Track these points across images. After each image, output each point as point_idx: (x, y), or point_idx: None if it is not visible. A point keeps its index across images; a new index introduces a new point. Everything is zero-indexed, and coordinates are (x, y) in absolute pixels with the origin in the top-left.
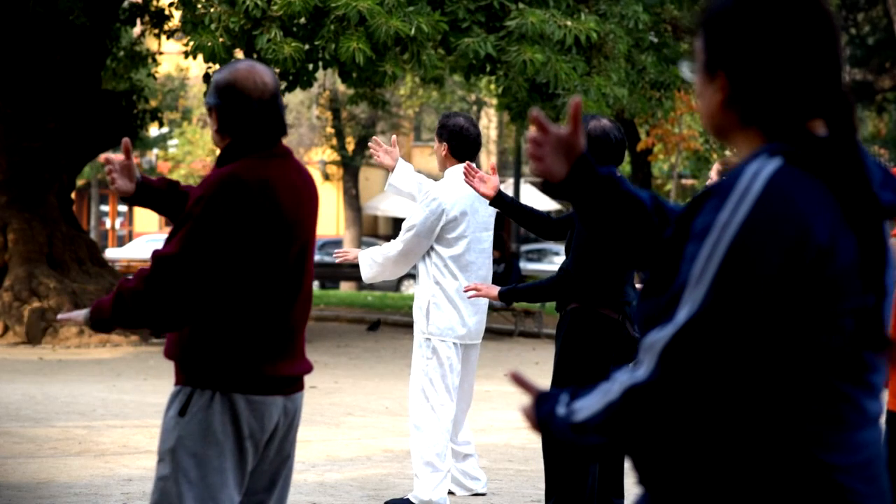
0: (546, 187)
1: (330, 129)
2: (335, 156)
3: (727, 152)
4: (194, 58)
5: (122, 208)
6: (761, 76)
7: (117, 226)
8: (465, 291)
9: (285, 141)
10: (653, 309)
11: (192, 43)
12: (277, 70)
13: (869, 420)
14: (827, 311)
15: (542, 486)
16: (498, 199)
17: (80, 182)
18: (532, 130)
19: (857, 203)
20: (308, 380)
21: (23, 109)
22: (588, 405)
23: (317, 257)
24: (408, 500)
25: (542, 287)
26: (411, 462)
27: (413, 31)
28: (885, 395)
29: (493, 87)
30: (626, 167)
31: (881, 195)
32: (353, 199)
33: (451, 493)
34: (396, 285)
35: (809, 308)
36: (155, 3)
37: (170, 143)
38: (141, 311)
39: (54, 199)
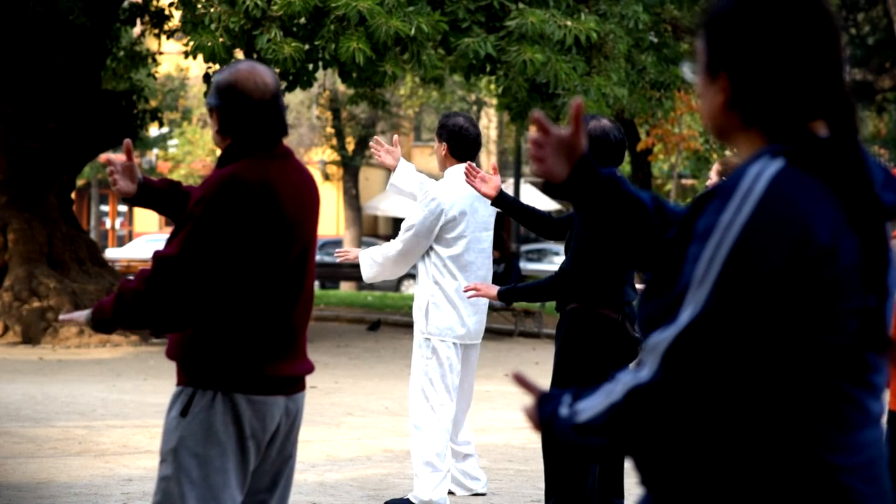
0: (547, 188)
1: (330, 129)
2: (335, 156)
3: (727, 152)
4: (194, 58)
5: (122, 208)
6: (763, 77)
7: (117, 226)
8: (465, 291)
9: (285, 141)
10: (655, 310)
11: (192, 43)
12: (277, 70)
13: (871, 420)
14: (829, 311)
15: (542, 486)
16: (499, 199)
17: (80, 182)
18: (533, 131)
19: (859, 204)
20: (308, 380)
21: (23, 109)
22: (591, 406)
23: (317, 257)
24: (408, 500)
25: (540, 287)
26: (411, 462)
27: (413, 31)
28: (887, 395)
29: (493, 87)
30: (626, 167)
31: (883, 196)
32: (353, 199)
33: (451, 493)
34: (396, 285)
35: (812, 309)
36: (155, 3)
37: (170, 143)
38: (142, 312)
39: (54, 199)
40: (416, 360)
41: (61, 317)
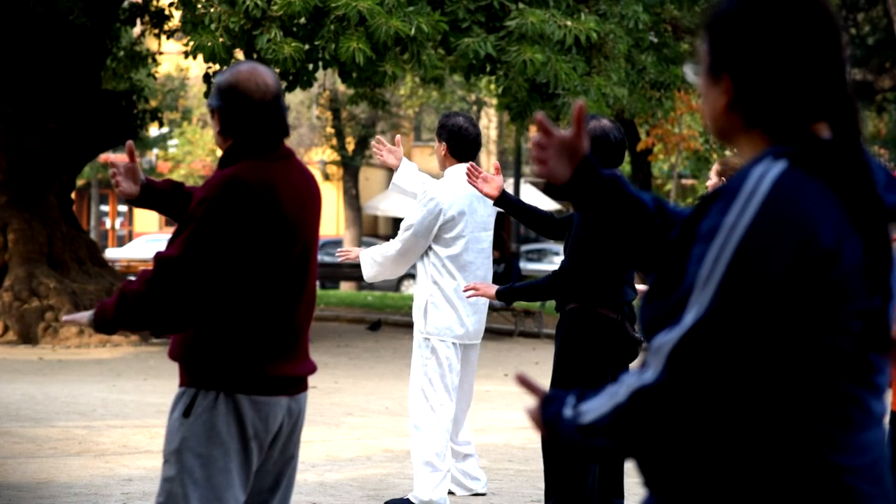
0: (549, 189)
1: (330, 129)
2: (335, 156)
3: (727, 152)
4: (194, 58)
5: (122, 208)
6: (766, 79)
7: (117, 226)
8: (464, 291)
9: (285, 141)
10: (659, 312)
11: (192, 43)
12: (277, 70)
13: (875, 420)
14: (834, 313)
15: (542, 486)
16: (502, 200)
17: (80, 182)
18: (534, 132)
19: (862, 205)
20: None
21: (23, 109)
22: (595, 407)
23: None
24: (408, 500)
25: (538, 286)
26: (411, 462)
27: (413, 31)
28: (889, 396)
29: (493, 87)
30: (626, 167)
31: (886, 197)
32: (353, 199)
33: (451, 493)
34: (396, 285)
35: (816, 310)
36: (155, 3)
37: (170, 143)
38: (144, 314)
39: (54, 199)
40: (415, 360)
41: (64, 318)
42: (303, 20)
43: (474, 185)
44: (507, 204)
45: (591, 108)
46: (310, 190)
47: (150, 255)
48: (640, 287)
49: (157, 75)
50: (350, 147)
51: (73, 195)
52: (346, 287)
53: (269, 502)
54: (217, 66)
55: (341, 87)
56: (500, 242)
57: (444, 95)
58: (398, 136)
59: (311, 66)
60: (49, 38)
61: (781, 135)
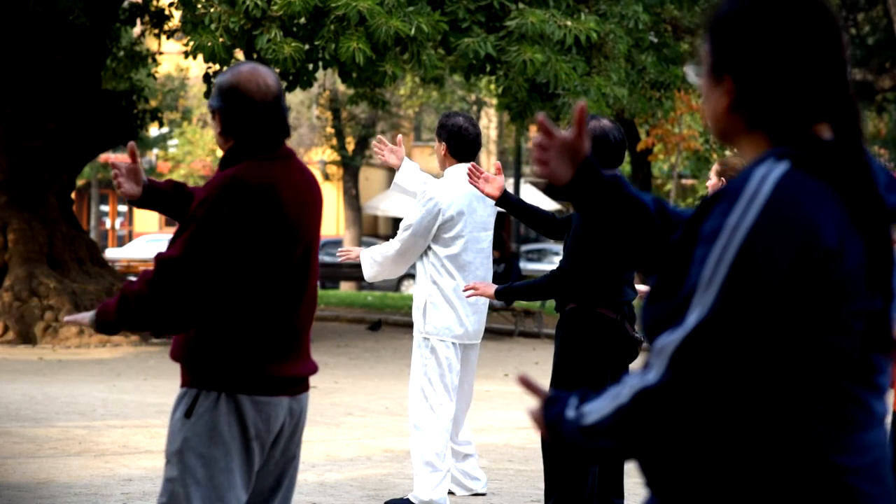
0: (550, 190)
1: (330, 129)
2: (335, 156)
3: (727, 152)
4: (194, 58)
5: (122, 208)
6: (768, 80)
7: (117, 226)
8: (464, 291)
9: (286, 141)
10: (661, 313)
11: (192, 43)
12: (278, 70)
13: (876, 421)
14: (836, 313)
15: (542, 486)
16: (503, 200)
17: (80, 182)
18: (534, 132)
19: (863, 206)
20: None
21: (23, 109)
22: (598, 408)
23: None
24: (408, 500)
25: (537, 286)
26: (411, 462)
27: (413, 31)
28: (890, 396)
29: (493, 87)
30: (626, 167)
31: (887, 198)
32: (353, 199)
33: (451, 493)
34: (396, 285)
35: (818, 310)
36: (155, 3)
37: (170, 143)
38: (145, 314)
39: (54, 199)
40: (415, 359)
41: (66, 318)
42: (303, 20)
43: (476, 186)
44: (509, 204)
45: (592, 108)
46: (311, 190)
47: (151, 255)
48: (641, 287)
49: (157, 75)
50: (350, 147)
51: (73, 195)
52: (346, 287)
53: (270, 502)
54: (217, 67)
55: (341, 87)
56: (500, 242)
57: (444, 95)
58: (400, 136)
59: (311, 66)
60: (49, 38)
61: (783, 136)
